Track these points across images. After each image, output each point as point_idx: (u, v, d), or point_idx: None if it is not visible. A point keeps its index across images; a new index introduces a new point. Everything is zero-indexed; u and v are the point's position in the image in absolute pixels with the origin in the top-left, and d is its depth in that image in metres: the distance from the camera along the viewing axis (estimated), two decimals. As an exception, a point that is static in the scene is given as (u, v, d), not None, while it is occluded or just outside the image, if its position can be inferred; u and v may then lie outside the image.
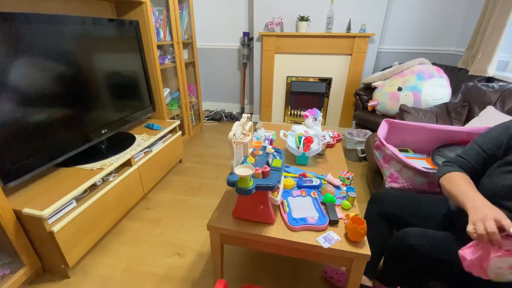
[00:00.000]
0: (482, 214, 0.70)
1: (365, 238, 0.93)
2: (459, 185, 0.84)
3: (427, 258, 0.84)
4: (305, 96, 3.20)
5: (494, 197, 0.80)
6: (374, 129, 2.48)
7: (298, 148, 1.40)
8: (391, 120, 1.62)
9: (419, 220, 1.04)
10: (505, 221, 0.67)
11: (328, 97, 3.10)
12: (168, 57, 2.37)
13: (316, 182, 1.20)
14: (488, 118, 1.56)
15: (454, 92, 2.22)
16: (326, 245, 0.90)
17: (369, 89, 2.67)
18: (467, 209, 0.76)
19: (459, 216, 0.93)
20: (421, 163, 1.53)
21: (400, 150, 1.67)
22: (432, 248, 0.84)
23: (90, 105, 1.52)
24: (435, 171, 1.21)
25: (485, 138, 0.93)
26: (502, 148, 0.87)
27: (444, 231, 0.95)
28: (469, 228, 0.70)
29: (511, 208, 0.79)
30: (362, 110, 2.68)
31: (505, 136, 0.87)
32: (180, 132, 2.22)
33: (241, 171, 0.83)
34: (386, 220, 1.13)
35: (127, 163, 1.65)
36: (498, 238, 0.65)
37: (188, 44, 2.67)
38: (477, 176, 0.91)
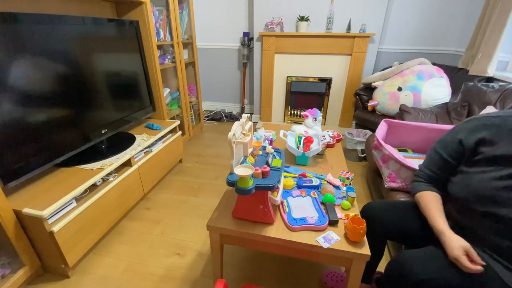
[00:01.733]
0: (454, 254, 0.78)
1: (365, 238, 0.93)
2: (429, 209, 0.92)
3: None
4: (305, 96, 3.20)
5: (468, 203, 0.85)
6: (374, 129, 2.48)
7: (298, 148, 1.40)
8: (390, 120, 1.63)
9: (413, 231, 1.00)
10: (474, 255, 0.77)
11: (328, 97, 3.10)
12: (168, 57, 2.37)
13: (316, 182, 1.20)
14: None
15: (454, 92, 2.22)
16: (325, 245, 0.90)
17: (369, 89, 2.67)
18: (439, 239, 0.85)
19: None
20: (421, 162, 1.53)
21: (400, 150, 1.67)
22: (436, 279, 0.79)
23: (90, 105, 1.52)
24: None
25: (443, 145, 0.97)
26: (464, 154, 0.91)
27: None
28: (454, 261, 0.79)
29: (479, 212, 0.82)
30: (362, 110, 2.68)
31: (459, 143, 0.92)
32: (180, 132, 2.22)
33: (241, 171, 0.83)
34: (379, 236, 1.06)
35: (127, 163, 1.65)
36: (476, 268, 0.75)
37: (188, 44, 2.67)
38: (445, 183, 0.97)
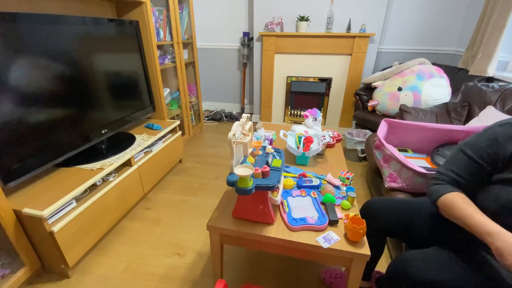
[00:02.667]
0: None
1: (365, 238, 0.93)
2: (466, 211, 0.75)
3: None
4: (305, 96, 3.20)
5: (495, 216, 0.75)
6: (374, 129, 2.48)
7: (298, 148, 1.40)
8: (391, 120, 1.63)
9: (414, 229, 1.00)
10: None
11: (328, 97, 3.10)
12: (168, 57, 2.37)
13: (316, 182, 1.20)
14: (488, 118, 1.57)
15: (454, 92, 2.22)
16: (325, 245, 0.90)
17: (369, 89, 2.67)
18: (487, 242, 0.70)
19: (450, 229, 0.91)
20: (421, 162, 1.53)
21: (400, 150, 1.67)
22: (440, 281, 0.77)
23: (90, 105, 1.52)
24: (434, 172, 1.21)
25: (474, 148, 0.84)
26: (498, 161, 0.80)
27: (441, 234, 0.94)
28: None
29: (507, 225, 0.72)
30: (362, 110, 2.68)
31: (496, 148, 0.80)
32: (180, 132, 2.22)
33: (241, 171, 0.83)
34: (379, 232, 1.06)
35: (127, 163, 1.65)
36: None
37: (188, 44, 2.67)
38: (472, 190, 0.84)
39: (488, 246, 0.74)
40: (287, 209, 1.03)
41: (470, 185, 0.84)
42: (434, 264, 0.80)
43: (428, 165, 1.51)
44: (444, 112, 1.93)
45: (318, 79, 3.03)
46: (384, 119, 1.63)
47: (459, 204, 0.78)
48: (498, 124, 0.83)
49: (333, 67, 2.95)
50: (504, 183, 0.78)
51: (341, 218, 1.02)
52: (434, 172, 0.93)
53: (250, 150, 1.03)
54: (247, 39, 3.15)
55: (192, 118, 2.96)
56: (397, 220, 1.02)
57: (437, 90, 2.20)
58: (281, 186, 1.06)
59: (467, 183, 0.84)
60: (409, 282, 0.80)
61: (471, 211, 0.75)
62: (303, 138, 1.39)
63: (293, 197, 1.11)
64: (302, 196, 1.11)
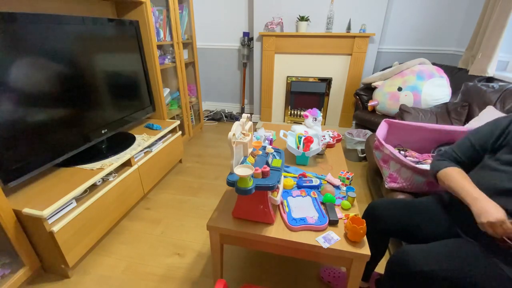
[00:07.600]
0: (496, 216, 0.76)
1: (365, 238, 0.93)
2: (458, 181, 0.90)
3: (432, 281, 0.80)
4: (305, 96, 3.20)
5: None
6: (374, 129, 2.48)
7: (298, 148, 1.40)
8: (391, 120, 1.62)
9: (418, 229, 1.00)
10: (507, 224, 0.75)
11: (328, 97, 3.10)
12: (168, 57, 2.37)
13: (316, 182, 1.20)
14: (488, 118, 1.56)
15: (454, 92, 2.22)
16: (325, 245, 0.90)
17: (369, 89, 2.67)
18: (468, 205, 0.83)
19: (462, 221, 0.93)
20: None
21: (400, 150, 1.67)
22: (438, 270, 0.79)
23: (90, 105, 1.52)
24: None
25: (477, 135, 0.99)
26: (489, 144, 0.94)
27: (446, 232, 0.95)
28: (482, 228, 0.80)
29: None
30: (362, 110, 2.68)
31: (495, 132, 0.93)
32: (180, 132, 2.22)
33: (241, 171, 0.83)
34: (383, 233, 1.07)
35: (127, 163, 1.65)
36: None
37: (188, 44, 2.67)
38: (465, 170, 0.98)
39: (495, 242, 0.80)
40: (287, 209, 1.03)
41: (467, 165, 0.99)
42: (434, 256, 0.81)
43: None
44: (444, 112, 1.93)
45: (318, 79, 3.03)
46: (384, 119, 1.63)
47: (453, 176, 0.92)
48: (504, 116, 0.95)
49: (333, 67, 2.95)
50: (480, 168, 0.93)
51: (341, 218, 1.02)
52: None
53: (250, 150, 1.03)
54: (247, 39, 3.15)
55: (192, 118, 2.96)
56: (403, 221, 1.02)
57: (437, 90, 2.20)
58: (281, 186, 1.06)
59: (464, 163, 1.00)
60: (407, 272, 0.81)
61: (462, 181, 0.89)
62: (303, 138, 1.39)
63: (293, 197, 1.11)
64: (302, 196, 1.11)
